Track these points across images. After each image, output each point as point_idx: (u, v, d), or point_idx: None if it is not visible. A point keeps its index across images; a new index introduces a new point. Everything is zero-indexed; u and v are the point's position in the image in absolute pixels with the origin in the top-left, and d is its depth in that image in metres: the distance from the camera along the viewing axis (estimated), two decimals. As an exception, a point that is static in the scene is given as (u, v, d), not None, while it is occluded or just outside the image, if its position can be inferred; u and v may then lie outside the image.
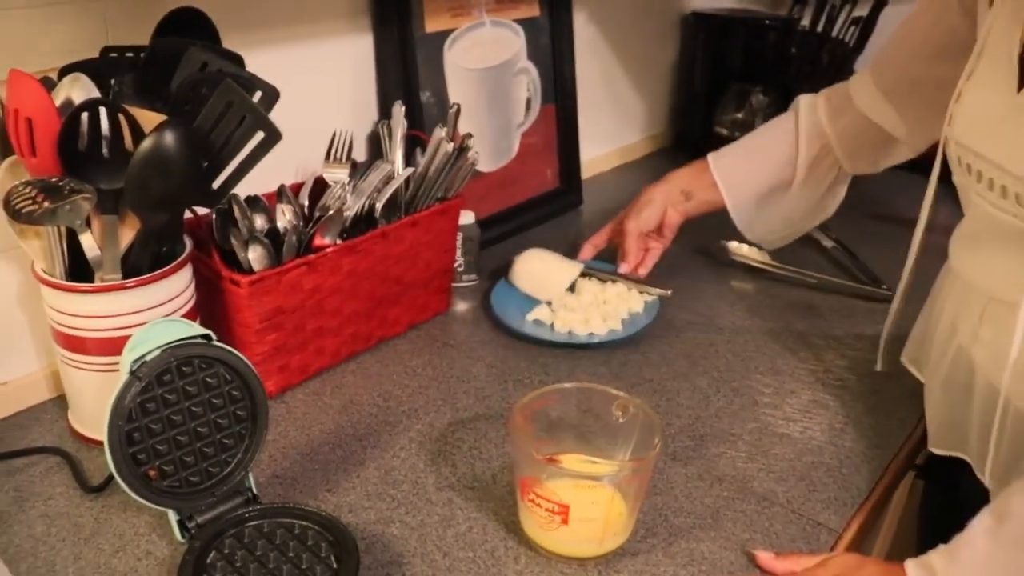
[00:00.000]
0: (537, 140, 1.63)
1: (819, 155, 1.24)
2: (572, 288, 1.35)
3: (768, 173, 1.28)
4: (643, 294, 1.34)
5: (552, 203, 1.69)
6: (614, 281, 1.36)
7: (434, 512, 0.94)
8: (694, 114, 2.09)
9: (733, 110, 2.02)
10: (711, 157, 1.32)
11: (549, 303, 1.32)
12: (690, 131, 2.12)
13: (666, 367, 1.21)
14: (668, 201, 1.32)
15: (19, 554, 0.88)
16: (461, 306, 1.36)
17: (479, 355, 1.23)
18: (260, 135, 0.89)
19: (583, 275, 1.37)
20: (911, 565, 0.79)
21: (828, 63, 1.94)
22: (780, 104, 1.82)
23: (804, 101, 1.25)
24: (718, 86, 2.04)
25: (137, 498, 0.82)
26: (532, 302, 1.33)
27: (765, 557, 0.87)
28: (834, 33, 1.92)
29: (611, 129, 1.94)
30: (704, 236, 1.58)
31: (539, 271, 1.35)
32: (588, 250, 1.39)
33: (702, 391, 1.16)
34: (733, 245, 1.52)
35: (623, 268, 1.33)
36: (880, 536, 1.24)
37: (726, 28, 2.02)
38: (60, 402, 1.10)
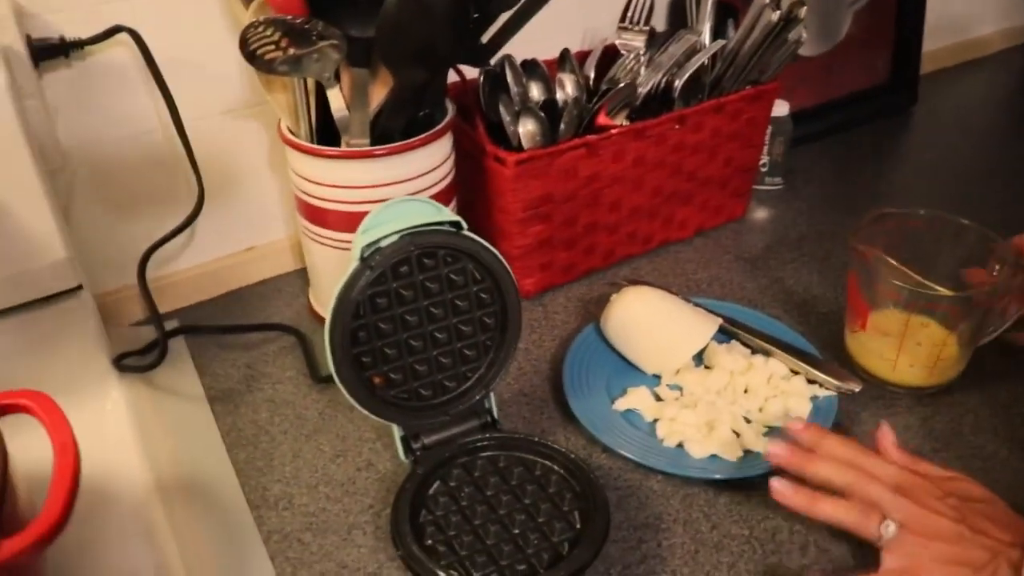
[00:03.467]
0: (871, 23, 1.33)
1: None
2: (699, 357, 0.86)
3: None
4: (814, 383, 0.82)
5: (879, 101, 1.39)
6: (768, 353, 0.86)
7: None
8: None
9: None
10: None
11: (658, 379, 0.85)
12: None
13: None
14: None
15: (240, 440, 0.80)
16: (760, 213, 1.14)
17: (777, 275, 1.01)
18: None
19: (722, 332, 0.87)
20: None
21: None
22: None
23: None
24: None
25: (358, 406, 0.70)
26: (630, 372, 0.86)
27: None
28: None
29: (959, 16, 1.57)
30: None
31: (648, 323, 0.85)
32: None
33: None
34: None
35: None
36: None
37: None
38: (304, 275, 1.01)
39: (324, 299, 0.92)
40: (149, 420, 0.81)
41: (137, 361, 0.86)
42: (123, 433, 0.79)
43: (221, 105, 0.91)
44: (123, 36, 0.80)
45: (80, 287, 0.81)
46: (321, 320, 0.93)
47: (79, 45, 0.79)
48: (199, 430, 0.81)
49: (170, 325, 0.91)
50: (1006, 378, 0.85)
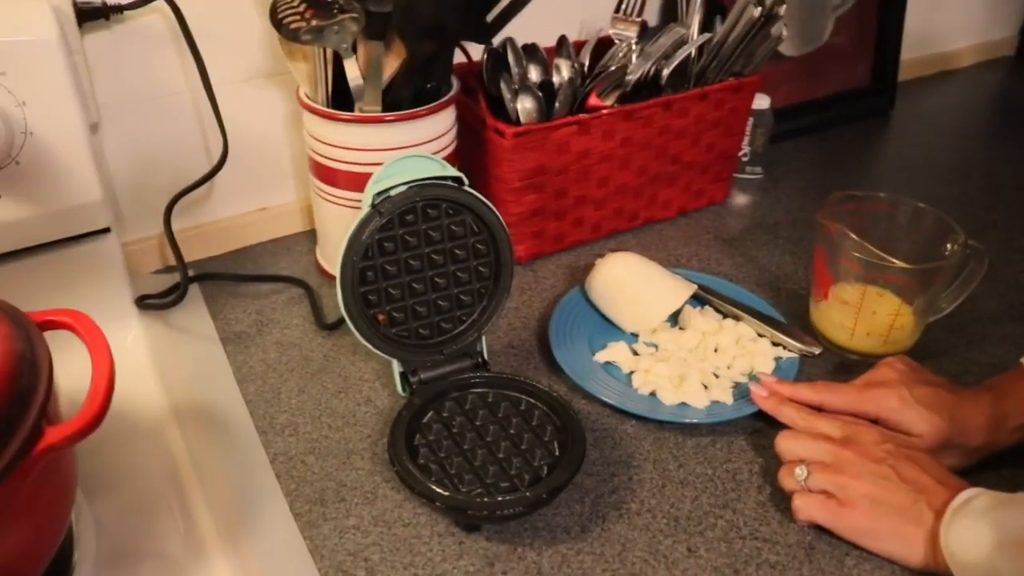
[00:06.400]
0: (853, 28, 1.41)
1: None
2: (675, 319, 0.95)
3: None
4: (778, 346, 0.90)
5: (858, 104, 1.47)
6: (738, 318, 0.94)
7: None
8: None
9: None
10: None
11: (636, 337, 0.93)
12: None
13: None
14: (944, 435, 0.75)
15: (250, 375, 0.87)
16: (740, 199, 1.22)
17: (752, 255, 1.08)
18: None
19: (696, 298, 0.95)
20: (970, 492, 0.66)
21: None
22: None
23: None
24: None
25: (362, 340, 0.77)
26: (610, 330, 0.93)
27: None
28: None
29: (936, 29, 1.66)
30: None
31: (628, 285, 0.92)
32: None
33: (1014, 340, 0.96)
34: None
35: (758, 392, 0.81)
36: None
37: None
38: (311, 236, 1.08)
39: (331, 255, 0.99)
40: (165, 354, 0.88)
41: (156, 301, 0.93)
42: (142, 365, 0.87)
43: (243, 73, 0.98)
44: (159, 4, 0.88)
45: (109, 229, 0.88)
46: (328, 275, 1.00)
47: (119, 9, 0.86)
48: (212, 365, 0.88)
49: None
50: (954, 353, 0.93)
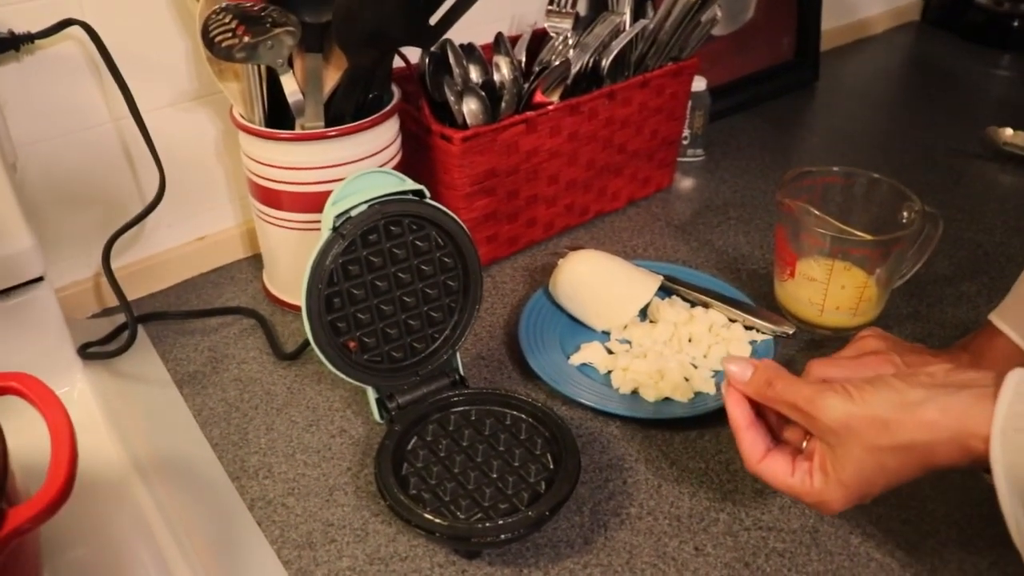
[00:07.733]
0: (774, 5, 1.42)
1: None
2: (644, 313, 0.93)
3: None
4: (751, 329, 0.89)
5: (785, 77, 1.48)
6: (707, 305, 0.93)
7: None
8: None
9: (1002, -23, 1.72)
10: (994, 316, 0.79)
11: (607, 334, 0.90)
12: (944, 2, 1.80)
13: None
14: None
15: (212, 418, 0.82)
16: (685, 183, 1.21)
17: (706, 239, 1.07)
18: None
19: (662, 289, 0.93)
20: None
21: None
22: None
23: None
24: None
25: (335, 371, 0.73)
26: (580, 331, 0.91)
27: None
28: None
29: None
30: (962, 120, 1.36)
31: (594, 283, 0.90)
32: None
33: (969, 298, 0.97)
34: (1006, 132, 1.28)
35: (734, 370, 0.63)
36: None
37: None
38: (255, 262, 1.03)
39: (281, 280, 0.95)
40: (117, 405, 0.83)
41: (101, 349, 0.87)
42: (93, 419, 0.81)
43: (168, 98, 0.92)
44: (73, 30, 0.82)
45: (42, 278, 0.82)
46: (277, 302, 0.96)
47: (30, 39, 0.80)
48: (170, 411, 0.83)
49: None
50: (918, 317, 0.94)
